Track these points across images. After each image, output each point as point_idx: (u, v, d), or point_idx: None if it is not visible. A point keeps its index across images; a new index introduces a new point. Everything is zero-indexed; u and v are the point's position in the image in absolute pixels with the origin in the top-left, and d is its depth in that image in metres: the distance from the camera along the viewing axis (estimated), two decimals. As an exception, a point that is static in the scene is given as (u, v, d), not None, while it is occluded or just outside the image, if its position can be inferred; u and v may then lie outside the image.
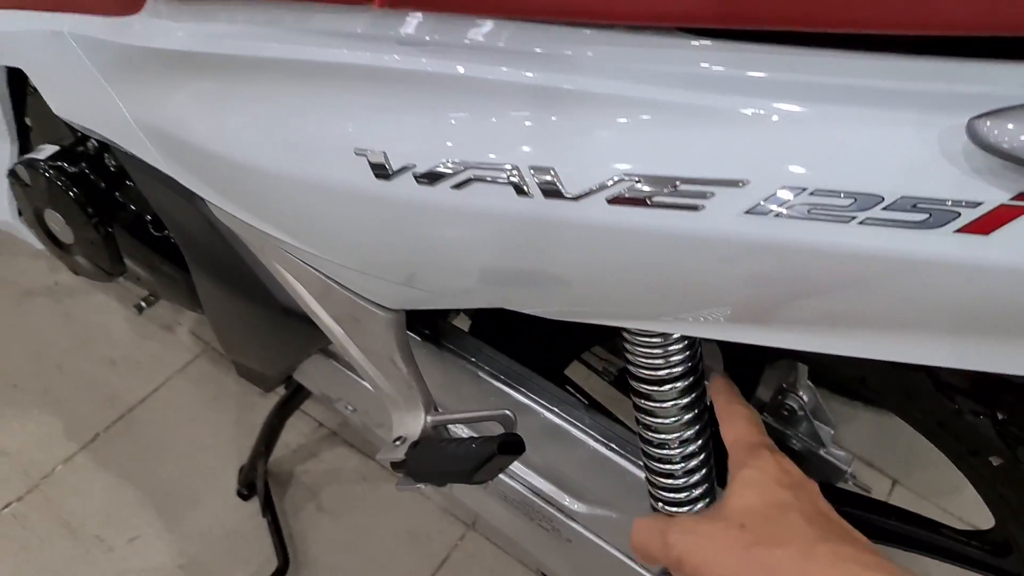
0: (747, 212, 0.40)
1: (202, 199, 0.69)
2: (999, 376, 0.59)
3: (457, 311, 0.88)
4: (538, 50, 0.44)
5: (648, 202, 0.42)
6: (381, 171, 0.48)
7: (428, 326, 0.79)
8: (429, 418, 0.68)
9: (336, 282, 0.64)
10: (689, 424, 0.62)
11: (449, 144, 0.46)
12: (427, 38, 0.47)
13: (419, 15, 0.47)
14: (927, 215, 0.37)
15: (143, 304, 1.00)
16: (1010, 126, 0.35)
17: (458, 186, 0.46)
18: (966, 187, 0.37)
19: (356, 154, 0.49)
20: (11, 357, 1.21)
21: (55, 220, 0.91)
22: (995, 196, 0.36)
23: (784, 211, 0.40)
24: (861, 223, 0.38)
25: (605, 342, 0.89)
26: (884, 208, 0.38)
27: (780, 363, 0.85)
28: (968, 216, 0.37)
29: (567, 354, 0.84)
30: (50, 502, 1.09)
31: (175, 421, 1.18)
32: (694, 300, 0.47)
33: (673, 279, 0.45)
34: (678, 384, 0.60)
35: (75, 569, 1.03)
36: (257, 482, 1.11)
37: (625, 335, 0.59)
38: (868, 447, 1.25)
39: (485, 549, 1.14)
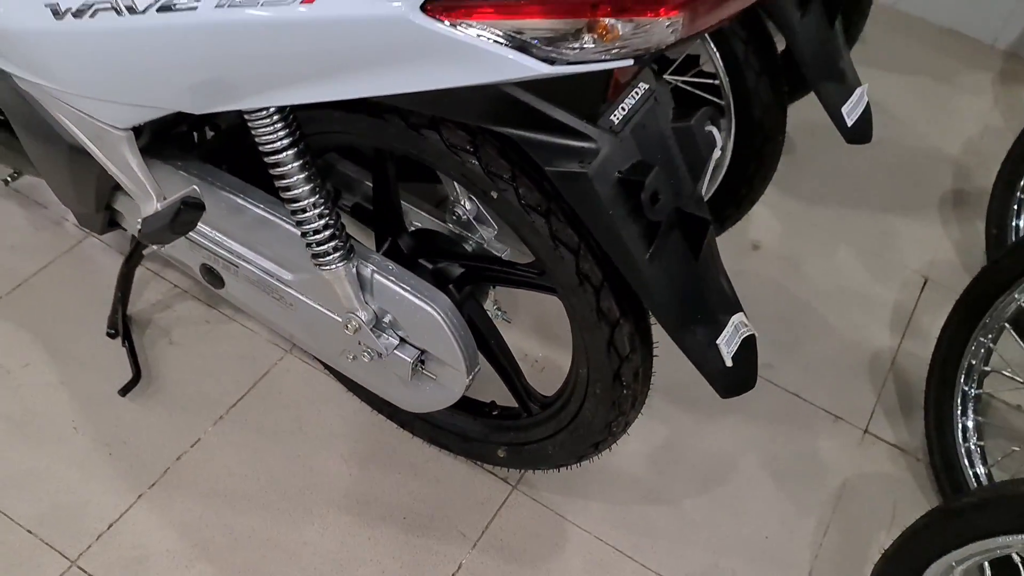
0: (217, 6, 0.76)
1: (7, 74, 1.04)
2: (480, 129, 0.93)
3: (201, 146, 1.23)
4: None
5: (193, 7, 0.77)
6: (55, 13, 0.84)
7: (174, 156, 1.15)
8: (158, 204, 1.04)
9: (84, 112, 1.00)
10: (309, 181, 0.98)
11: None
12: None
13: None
14: None
15: (8, 179, 1.37)
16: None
17: (82, 13, 0.82)
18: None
19: (45, 6, 0.85)
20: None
21: (-64, 120, 1.27)
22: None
23: (224, 3, 0.75)
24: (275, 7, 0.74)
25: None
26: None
27: (438, 184, 1.20)
28: (302, -5, 0.72)
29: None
30: (-37, 343, 1.46)
31: (60, 286, 1.55)
32: (264, 77, 0.81)
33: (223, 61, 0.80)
34: (291, 151, 0.96)
35: (-18, 387, 1.40)
36: (118, 321, 1.47)
37: (250, 124, 0.95)
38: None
39: (297, 366, 1.50)
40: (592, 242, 0.95)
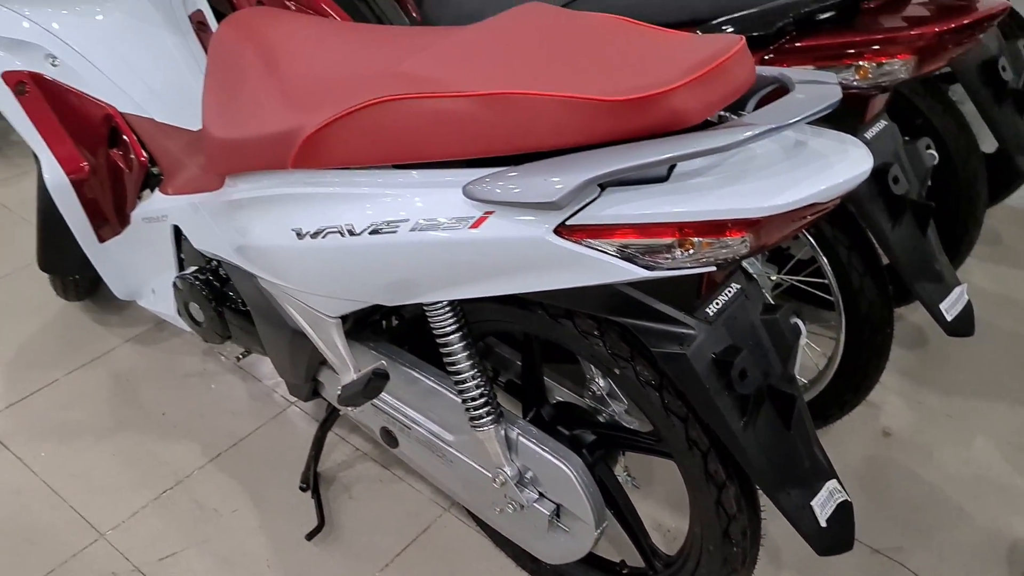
0: (411, 230, 1.05)
1: (255, 276, 1.40)
2: (603, 318, 1.16)
3: (389, 331, 1.53)
4: (347, 181, 1.13)
5: (394, 231, 1.07)
6: (298, 235, 1.18)
7: (369, 338, 1.44)
8: (354, 374, 1.33)
9: (307, 304, 1.32)
10: (469, 358, 1.24)
11: (314, 219, 1.15)
12: (315, 179, 1.16)
13: (307, 170, 1.17)
14: (460, 222, 1.01)
15: (240, 356, 1.72)
16: (478, 187, 0.99)
17: (316, 235, 1.14)
18: (471, 211, 1.01)
19: (291, 230, 1.19)
20: (173, 406, 1.95)
21: (194, 309, 1.66)
22: (474, 213, 1.00)
23: (417, 228, 1.04)
24: (451, 230, 1.03)
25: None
26: (448, 223, 1.02)
27: (574, 366, 1.43)
28: (470, 223, 1.00)
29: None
30: (189, 491, 1.77)
31: (267, 446, 1.86)
32: (441, 278, 1.10)
33: (421, 267, 1.09)
34: (457, 335, 1.22)
35: (199, 526, 1.70)
36: (310, 476, 1.75)
37: (427, 313, 1.23)
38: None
39: (454, 523, 1.71)
40: (698, 412, 1.13)
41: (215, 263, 1.61)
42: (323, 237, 1.15)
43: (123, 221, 1.72)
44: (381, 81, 1.06)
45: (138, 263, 1.76)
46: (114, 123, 1.63)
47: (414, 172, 1.06)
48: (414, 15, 2.14)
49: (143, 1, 1.65)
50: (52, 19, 1.56)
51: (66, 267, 1.89)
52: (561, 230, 0.95)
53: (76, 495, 1.75)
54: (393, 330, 1.53)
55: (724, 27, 1.37)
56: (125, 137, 1.62)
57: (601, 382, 1.44)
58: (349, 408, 1.42)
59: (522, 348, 1.37)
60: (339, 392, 1.32)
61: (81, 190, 1.65)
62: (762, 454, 1.06)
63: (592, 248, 0.95)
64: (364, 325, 1.45)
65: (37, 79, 1.57)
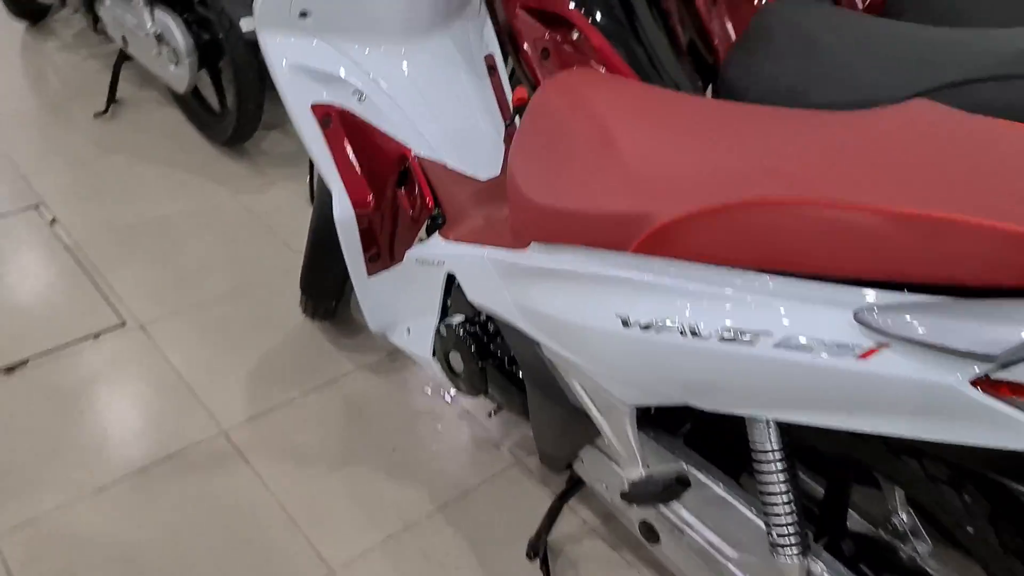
0: (775, 346, 0.95)
1: (539, 344, 1.33)
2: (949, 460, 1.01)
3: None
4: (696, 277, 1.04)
5: (751, 343, 0.97)
6: (624, 323, 1.09)
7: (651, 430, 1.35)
8: (643, 471, 1.23)
9: (603, 387, 1.24)
10: (786, 480, 1.11)
11: (649, 311, 1.06)
12: (660, 269, 1.08)
13: (650, 257, 1.08)
14: (845, 350, 0.90)
15: (492, 412, 1.67)
16: (881, 316, 0.87)
17: (648, 328, 1.05)
18: (862, 340, 0.89)
19: (616, 316, 1.11)
20: (402, 443, 1.92)
21: (454, 358, 1.61)
22: (864, 342, 0.88)
23: (784, 346, 0.93)
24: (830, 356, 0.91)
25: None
26: (827, 347, 0.91)
27: (877, 492, 1.28)
28: (858, 352, 0.89)
29: (740, 462, 1.34)
30: (416, 537, 1.73)
31: (493, 501, 1.80)
32: (797, 401, 0.98)
33: (758, 381, 0.98)
34: (779, 453, 1.10)
35: (408, 565, 1.66)
36: (540, 547, 1.67)
37: (749, 425, 1.11)
38: None
39: (689, 626, 1.58)
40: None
41: (484, 317, 1.56)
42: (656, 332, 1.06)
43: (394, 258, 1.71)
44: (755, 176, 0.97)
45: (400, 301, 1.74)
46: (406, 164, 1.62)
47: (789, 281, 0.96)
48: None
49: (447, 43, 1.63)
50: (363, 56, 1.57)
51: (324, 291, 1.91)
52: (982, 382, 0.82)
53: (308, 523, 1.74)
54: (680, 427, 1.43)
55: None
56: (415, 179, 1.61)
57: (904, 516, 1.28)
58: (636, 504, 1.32)
59: (829, 471, 1.24)
60: (625, 488, 1.23)
61: (362, 223, 1.64)
62: None
63: (1018, 408, 0.81)
64: (648, 416, 1.35)
65: (341, 113, 1.57)
